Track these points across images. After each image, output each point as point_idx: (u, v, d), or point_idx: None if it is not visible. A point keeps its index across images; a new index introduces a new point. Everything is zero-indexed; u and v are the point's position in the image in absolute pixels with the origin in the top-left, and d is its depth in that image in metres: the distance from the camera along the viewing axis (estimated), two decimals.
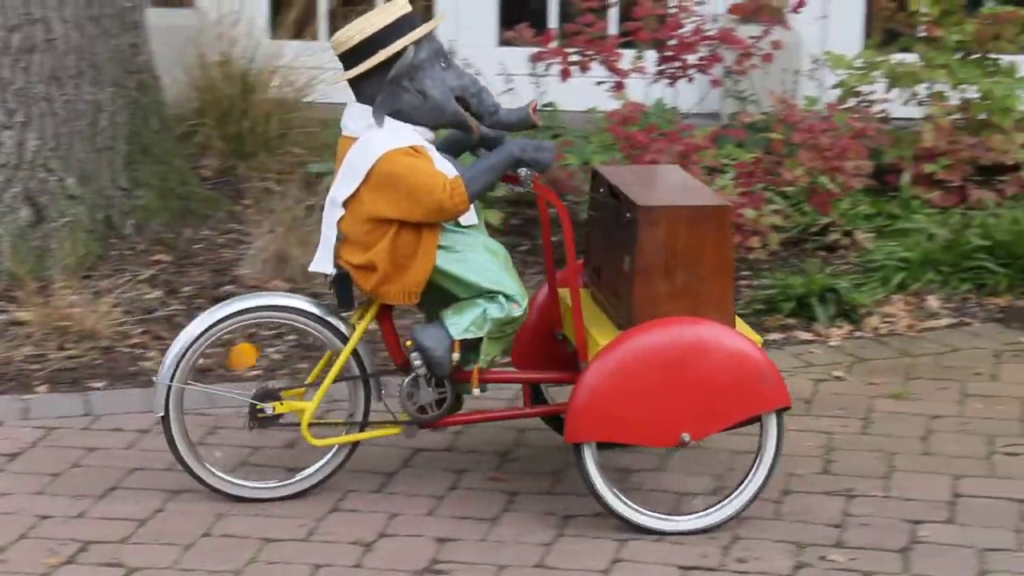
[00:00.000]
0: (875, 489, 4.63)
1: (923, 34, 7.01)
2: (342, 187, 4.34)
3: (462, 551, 4.27)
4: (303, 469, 4.57)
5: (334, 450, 4.55)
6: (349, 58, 4.31)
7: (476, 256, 4.37)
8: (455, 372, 4.41)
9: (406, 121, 4.32)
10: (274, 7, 8.34)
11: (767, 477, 4.37)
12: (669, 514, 4.40)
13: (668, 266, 4.25)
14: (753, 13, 6.41)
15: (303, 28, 7.93)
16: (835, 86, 7.09)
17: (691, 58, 6.28)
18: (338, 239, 4.38)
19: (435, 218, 4.29)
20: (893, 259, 6.20)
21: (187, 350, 4.44)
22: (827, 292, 5.92)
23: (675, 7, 6.32)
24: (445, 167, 4.33)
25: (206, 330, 4.44)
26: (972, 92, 6.92)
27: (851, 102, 6.98)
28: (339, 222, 4.36)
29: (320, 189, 6.34)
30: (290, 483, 4.55)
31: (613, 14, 7.24)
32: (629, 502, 4.35)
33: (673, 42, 6.23)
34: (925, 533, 4.38)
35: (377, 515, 4.45)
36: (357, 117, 4.34)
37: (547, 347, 4.69)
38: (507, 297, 4.36)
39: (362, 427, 4.52)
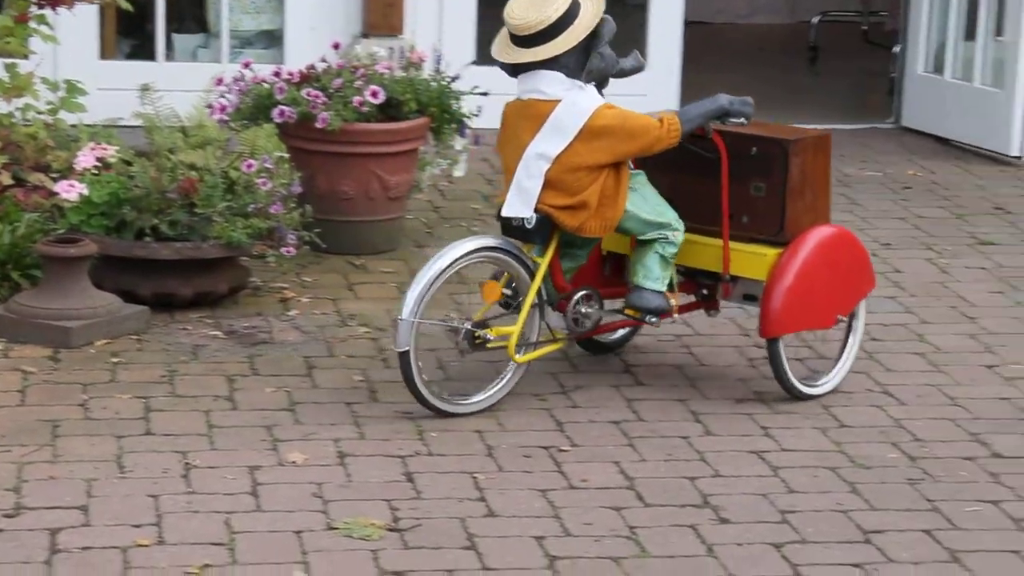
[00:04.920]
0: None
1: None
2: (552, 142, 5.14)
3: None
4: (490, 385, 5.27)
5: (513, 368, 5.28)
6: (539, 36, 5.10)
7: (648, 193, 5.31)
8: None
9: (588, 81, 5.18)
10: None
11: (858, 347, 5.63)
12: (812, 384, 5.52)
13: (802, 187, 5.40)
14: None
15: None
16: None
17: None
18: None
19: (649, 151, 5.21)
20: None
21: (428, 288, 5.03)
22: None
23: None
24: None
25: (444, 269, 5.06)
26: None
27: None
28: (546, 172, 5.10)
29: None
30: (486, 397, 5.26)
31: None
32: (799, 380, 5.46)
33: None
34: None
35: None
36: (553, 83, 5.16)
37: (597, 268, 5.57)
38: (670, 228, 5.28)
39: (536, 346, 5.32)
